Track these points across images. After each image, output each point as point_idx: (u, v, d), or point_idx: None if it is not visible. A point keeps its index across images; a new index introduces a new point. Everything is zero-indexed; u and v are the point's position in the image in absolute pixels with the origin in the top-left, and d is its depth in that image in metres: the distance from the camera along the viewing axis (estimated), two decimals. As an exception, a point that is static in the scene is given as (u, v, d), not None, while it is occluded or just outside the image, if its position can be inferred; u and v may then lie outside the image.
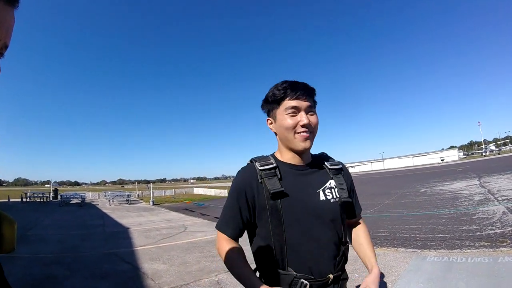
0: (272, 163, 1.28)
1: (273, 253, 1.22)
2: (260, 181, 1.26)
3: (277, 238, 1.21)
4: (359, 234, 1.48)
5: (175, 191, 45.04)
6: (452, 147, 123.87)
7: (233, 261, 1.25)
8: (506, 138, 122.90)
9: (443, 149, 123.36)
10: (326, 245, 1.25)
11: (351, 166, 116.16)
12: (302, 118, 1.24)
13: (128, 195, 29.44)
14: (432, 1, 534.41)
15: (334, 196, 1.30)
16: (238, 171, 1.37)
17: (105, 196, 33.82)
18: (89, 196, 40.33)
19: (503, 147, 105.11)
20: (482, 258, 4.59)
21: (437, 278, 4.03)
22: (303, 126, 1.24)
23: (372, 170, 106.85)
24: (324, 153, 1.49)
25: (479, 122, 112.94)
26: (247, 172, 1.33)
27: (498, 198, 10.04)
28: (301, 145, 1.26)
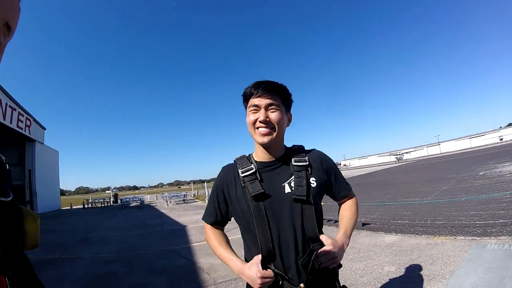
0: (252, 168, 1.37)
1: (260, 251, 1.27)
2: (243, 185, 1.36)
3: (261, 237, 1.27)
4: (343, 208, 1.53)
5: (229, 188, 45.86)
6: (510, 125, 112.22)
7: (216, 244, 1.45)
8: None
9: (501, 127, 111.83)
10: (292, 243, 1.27)
11: (406, 152, 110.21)
12: (260, 115, 1.32)
13: (184, 195, 30.67)
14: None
15: (293, 191, 1.31)
16: (221, 169, 1.53)
17: (163, 197, 35.56)
18: (148, 198, 43.04)
19: None
20: (547, 246, 4.20)
21: (497, 267, 3.78)
22: (261, 122, 1.32)
23: (428, 155, 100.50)
24: (296, 146, 1.51)
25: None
26: (226, 172, 1.49)
27: None
28: (259, 139, 1.34)
